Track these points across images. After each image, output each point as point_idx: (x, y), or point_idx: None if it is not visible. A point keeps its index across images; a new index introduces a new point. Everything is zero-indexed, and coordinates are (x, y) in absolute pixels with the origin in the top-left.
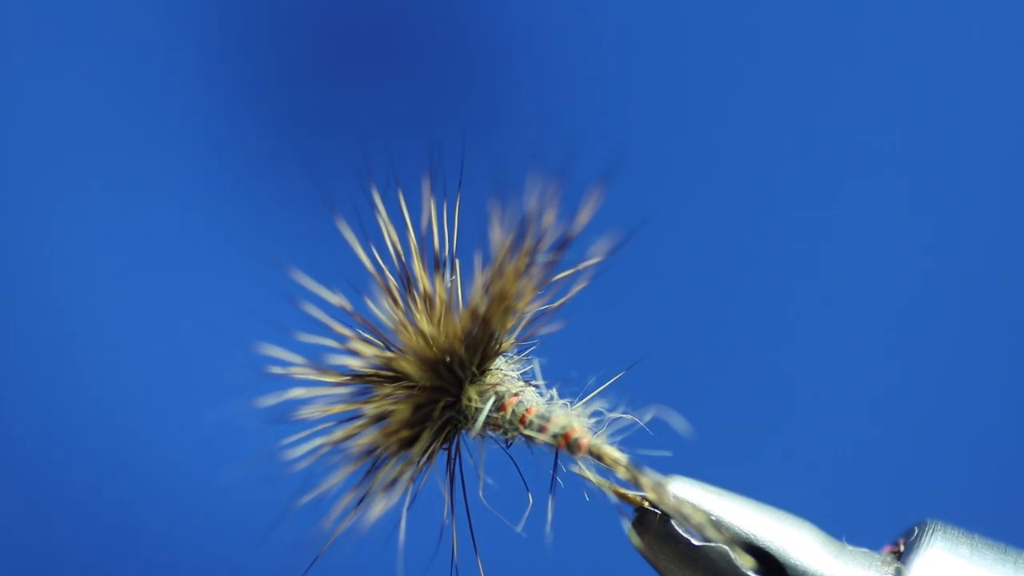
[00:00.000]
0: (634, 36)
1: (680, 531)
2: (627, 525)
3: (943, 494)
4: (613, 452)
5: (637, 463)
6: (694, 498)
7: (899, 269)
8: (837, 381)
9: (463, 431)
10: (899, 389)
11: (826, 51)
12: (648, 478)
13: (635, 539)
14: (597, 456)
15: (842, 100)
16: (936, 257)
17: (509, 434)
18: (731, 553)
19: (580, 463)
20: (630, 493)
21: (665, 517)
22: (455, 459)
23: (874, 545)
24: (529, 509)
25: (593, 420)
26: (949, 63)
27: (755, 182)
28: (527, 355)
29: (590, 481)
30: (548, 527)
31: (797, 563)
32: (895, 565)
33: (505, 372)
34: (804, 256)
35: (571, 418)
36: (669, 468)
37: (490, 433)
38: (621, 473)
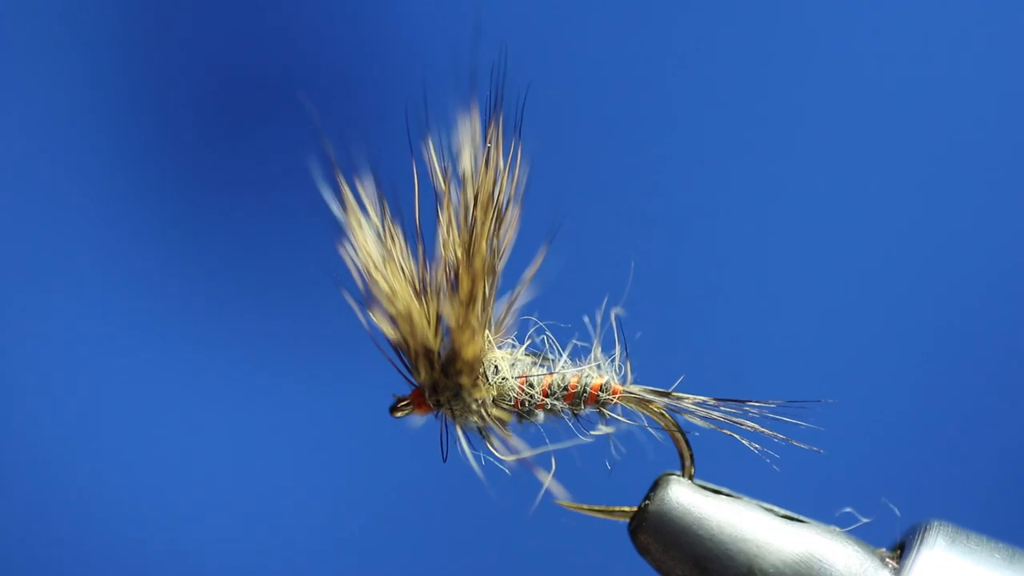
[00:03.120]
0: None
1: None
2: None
3: (943, 494)
4: (644, 390)
5: (671, 393)
6: (697, 503)
7: (902, 264)
8: (838, 380)
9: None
10: (900, 388)
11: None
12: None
13: (638, 541)
14: (631, 398)
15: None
16: (940, 253)
17: (531, 410)
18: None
19: (606, 415)
20: (616, 508)
21: (664, 517)
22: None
23: (874, 544)
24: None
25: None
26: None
27: (754, 176)
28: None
29: (578, 510)
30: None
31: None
32: (896, 564)
33: (508, 359)
34: (805, 257)
35: (589, 374)
36: (667, 466)
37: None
38: (655, 408)
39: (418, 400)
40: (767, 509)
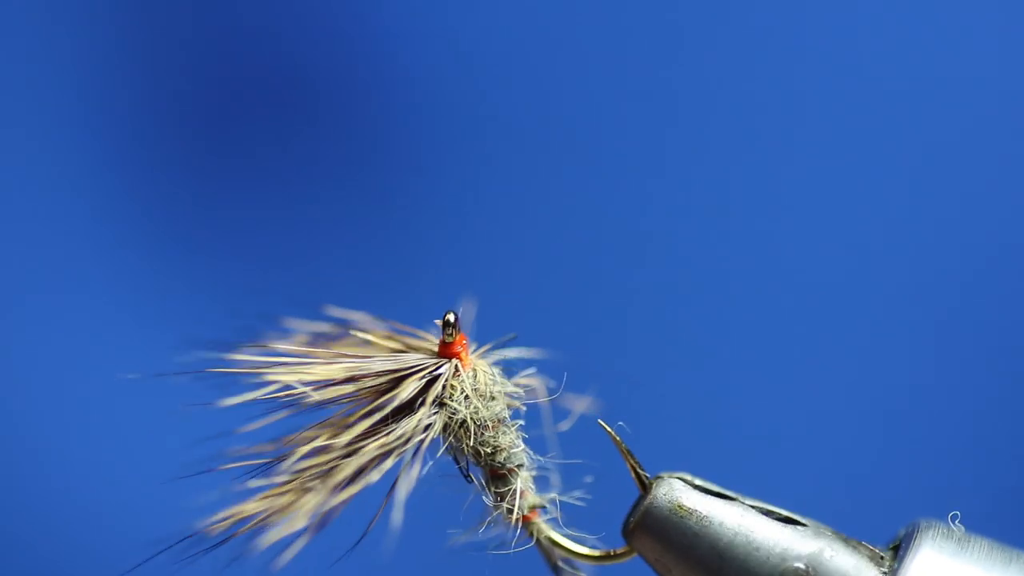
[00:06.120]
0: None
1: (687, 523)
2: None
3: (941, 494)
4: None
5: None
6: (693, 502)
7: (901, 264)
8: (838, 381)
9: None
10: (898, 389)
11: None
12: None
13: (636, 539)
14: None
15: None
16: (937, 254)
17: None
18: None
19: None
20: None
21: (668, 514)
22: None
23: (870, 543)
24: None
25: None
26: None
27: (743, 174)
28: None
29: (615, 440)
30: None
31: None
32: (891, 564)
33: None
34: (805, 258)
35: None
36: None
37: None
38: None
39: (463, 347)
40: (766, 509)
